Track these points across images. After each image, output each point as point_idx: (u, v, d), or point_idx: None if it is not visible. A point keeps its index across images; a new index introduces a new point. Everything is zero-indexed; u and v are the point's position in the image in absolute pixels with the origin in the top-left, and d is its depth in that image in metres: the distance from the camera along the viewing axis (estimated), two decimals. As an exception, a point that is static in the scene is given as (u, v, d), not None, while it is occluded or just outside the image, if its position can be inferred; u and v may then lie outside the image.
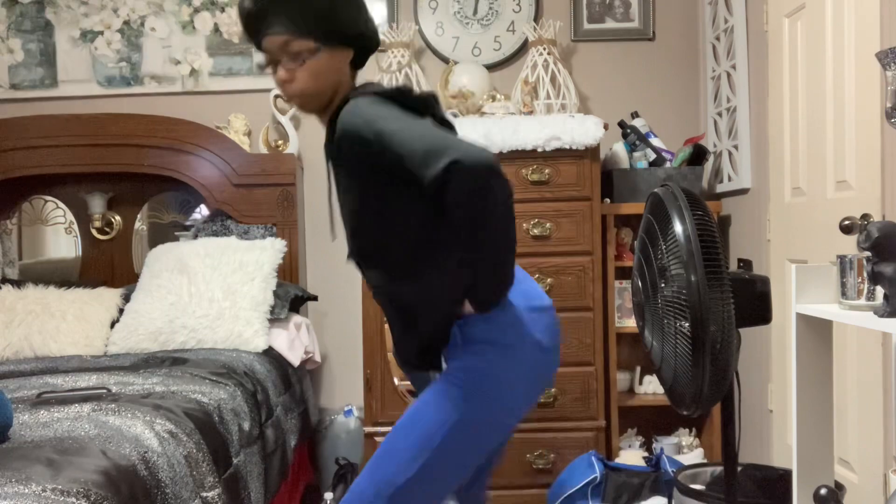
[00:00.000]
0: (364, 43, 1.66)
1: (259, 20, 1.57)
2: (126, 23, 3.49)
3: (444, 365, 1.60)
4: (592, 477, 2.73)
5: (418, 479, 1.52)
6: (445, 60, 3.46)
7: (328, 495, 3.00)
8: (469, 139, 1.49)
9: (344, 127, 1.53)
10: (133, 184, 3.43)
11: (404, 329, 1.66)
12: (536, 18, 3.47)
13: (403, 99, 1.57)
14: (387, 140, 1.47)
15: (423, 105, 1.59)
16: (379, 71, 3.30)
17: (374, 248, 1.63)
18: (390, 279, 1.62)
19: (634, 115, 3.34)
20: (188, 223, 3.48)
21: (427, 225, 1.56)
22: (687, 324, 1.54)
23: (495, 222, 1.49)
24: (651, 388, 3.28)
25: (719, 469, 2.25)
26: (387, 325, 2.82)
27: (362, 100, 1.55)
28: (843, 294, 1.45)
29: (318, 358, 3.26)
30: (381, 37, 3.30)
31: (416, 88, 1.73)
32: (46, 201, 3.50)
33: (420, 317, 1.61)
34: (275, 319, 2.95)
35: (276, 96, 3.43)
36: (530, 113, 3.11)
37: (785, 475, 2.14)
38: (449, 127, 1.65)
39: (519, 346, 1.59)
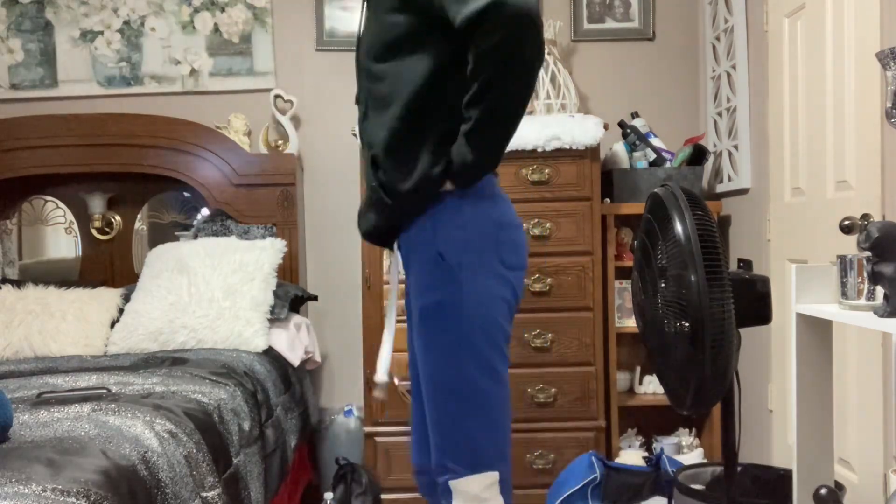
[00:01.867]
0: None
1: None
2: (126, 23, 3.49)
3: (396, 247, 1.65)
4: (592, 477, 2.72)
5: (487, 408, 1.58)
6: (445, 60, 3.46)
7: (328, 495, 3.00)
8: None
9: None
10: (133, 184, 3.43)
11: (376, 202, 1.64)
12: (536, 18, 3.46)
13: None
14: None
15: None
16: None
17: (381, 94, 1.60)
18: (384, 138, 1.59)
19: (634, 115, 3.34)
20: (188, 223, 3.48)
21: (436, 81, 1.53)
22: (687, 324, 1.54)
23: (518, 76, 1.43)
24: (651, 388, 3.28)
25: (719, 469, 2.25)
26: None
27: None
28: (843, 294, 1.45)
29: (318, 358, 3.25)
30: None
31: None
32: (46, 201, 3.50)
33: (396, 192, 1.58)
34: (275, 319, 2.95)
35: (276, 96, 3.43)
36: (530, 113, 3.11)
37: (785, 475, 2.14)
38: None
39: (488, 262, 1.57)
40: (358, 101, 1.72)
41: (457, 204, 1.58)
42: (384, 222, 1.67)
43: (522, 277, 1.65)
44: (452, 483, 1.59)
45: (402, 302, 1.84)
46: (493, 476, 1.61)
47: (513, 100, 1.46)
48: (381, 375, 1.73)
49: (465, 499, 1.58)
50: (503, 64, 1.40)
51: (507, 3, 1.34)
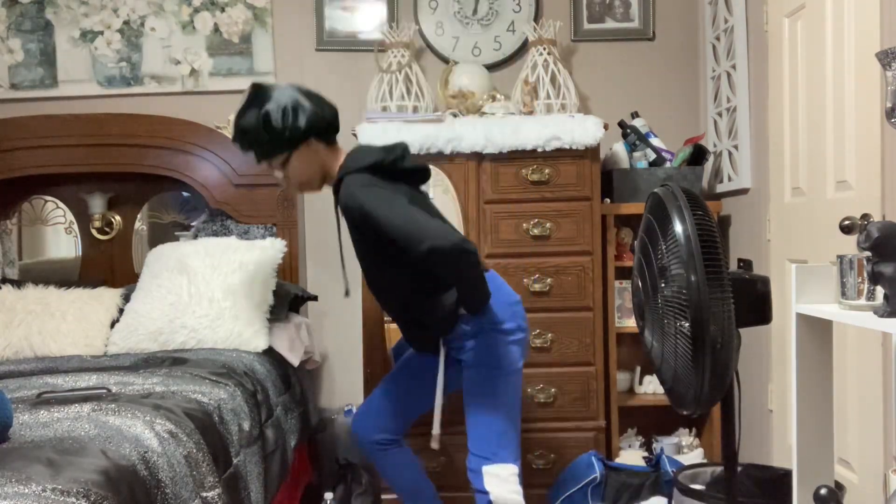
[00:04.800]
0: (321, 129, 2.18)
1: (246, 153, 2.24)
2: (126, 23, 3.49)
3: (441, 348, 2.27)
4: (592, 477, 2.73)
5: (511, 425, 2.23)
6: (445, 60, 3.46)
7: (328, 495, 2.99)
8: (438, 226, 2.05)
9: (344, 204, 2.11)
10: (133, 184, 3.43)
11: (416, 329, 2.31)
12: (536, 18, 3.47)
13: (383, 170, 2.12)
14: (379, 225, 2.04)
15: (399, 170, 2.16)
16: (379, 71, 3.30)
17: (377, 279, 2.30)
18: (399, 306, 2.30)
19: (634, 115, 3.34)
20: (188, 223, 3.48)
21: (417, 275, 2.14)
22: (687, 324, 1.54)
23: (468, 275, 2.11)
24: (651, 388, 3.28)
25: (719, 469, 2.25)
26: (388, 325, 2.84)
27: (352, 181, 2.10)
28: (843, 294, 1.45)
29: (318, 358, 3.25)
30: (382, 37, 3.33)
31: (383, 151, 2.19)
32: (46, 201, 3.50)
33: (428, 325, 2.24)
34: (275, 319, 2.95)
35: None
36: (530, 113, 3.11)
37: (785, 475, 2.14)
38: (421, 172, 2.26)
39: (512, 325, 2.22)
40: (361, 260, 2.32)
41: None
42: (433, 340, 2.31)
43: (528, 331, 2.32)
44: (486, 467, 2.16)
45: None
46: (514, 468, 2.19)
47: (469, 282, 2.12)
48: (436, 429, 2.28)
49: (497, 480, 2.15)
50: (453, 273, 2.10)
51: (438, 248, 1.98)
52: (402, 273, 2.17)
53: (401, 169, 2.17)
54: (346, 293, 2.43)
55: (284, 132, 2.13)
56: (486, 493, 2.16)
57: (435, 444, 2.27)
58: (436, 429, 2.26)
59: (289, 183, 2.26)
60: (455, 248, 1.99)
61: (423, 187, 2.35)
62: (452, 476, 2.78)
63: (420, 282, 2.16)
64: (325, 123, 2.19)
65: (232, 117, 3.38)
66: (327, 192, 2.34)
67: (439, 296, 2.16)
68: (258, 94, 2.15)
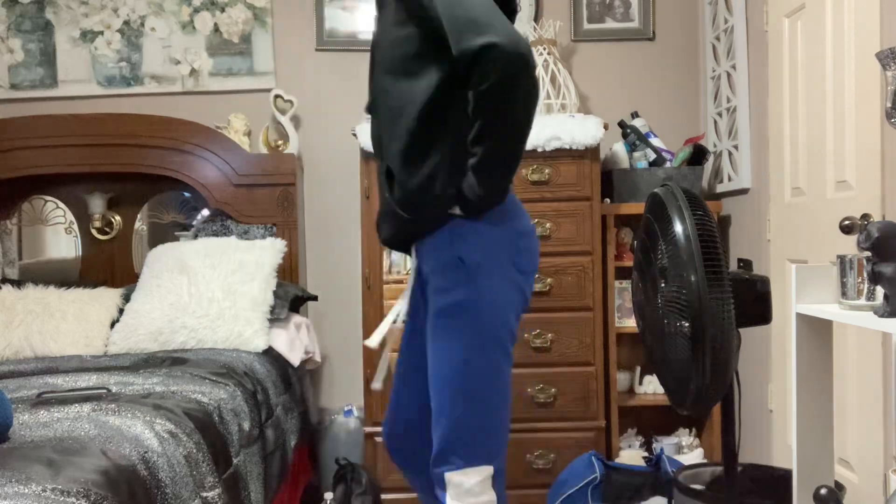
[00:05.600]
0: None
1: None
2: (126, 23, 3.49)
3: (413, 252, 1.73)
4: (592, 477, 2.73)
5: (489, 406, 1.66)
6: (445, 60, 3.46)
7: (328, 495, 3.00)
8: (510, 26, 1.48)
9: None
10: (133, 184, 3.43)
11: (391, 214, 1.70)
12: (536, 18, 3.47)
13: None
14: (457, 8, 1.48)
15: None
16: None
17: (393, 106, 1.66)
18: (397, 151, 1.65)
19: (634, 115, 3.34)
20: (188, 223, 3.48)
21: (440, 100, 1.58)
22: (687, 324, 1.54)
23: (513, 117, 1.51)
24: (651, 388, 3.28)
25: (719, 469, 2.25)
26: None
27: None
28: (843, 294, 1.45)
29: (318, 358, 3.25)
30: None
31: None
32: (46, 201, 3.50)
33: (411, 203, 1.64)
34: (275, 319, 2.95)
35: (276, 96, 3.43)
36: (530, 113, 3.11)
37: (785, 475, 2.14)
38: (511, 8, 1.70)
39: (505, 266, 1.65)
40: (370, 110, 1.77)
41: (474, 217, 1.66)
42: (401, 234, 1.73)
43: (533, 280, 1.73)
44: (448, 475, 1.65)
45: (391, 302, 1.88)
46: (487, 470, 1.66)
47: (511, 139, 1.55)
48: (374, 341, 1.83)
49: (457, 493, 1.64)
50: (499, 107, 1.49)
51: (499, 46, 1.41)
52: (416, 92, 1.59)
53: None
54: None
55: None
56: None
57: (377, 385, 1.88)
58: (376, 383, 1.85)
59: None
60: (518, 55, 1.44)
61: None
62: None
63: (430, 118, 1.60)
64: None
65: (232, 116, 3.41)
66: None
67: (441, 146, 1.60)
68: None
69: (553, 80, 3.22)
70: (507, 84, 1.45)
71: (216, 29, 3.50)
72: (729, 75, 3.14)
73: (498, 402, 1.69)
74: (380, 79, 1.71)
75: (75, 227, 3.49)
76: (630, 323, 3.15)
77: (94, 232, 3.46)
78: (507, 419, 1.73)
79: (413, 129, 1.61)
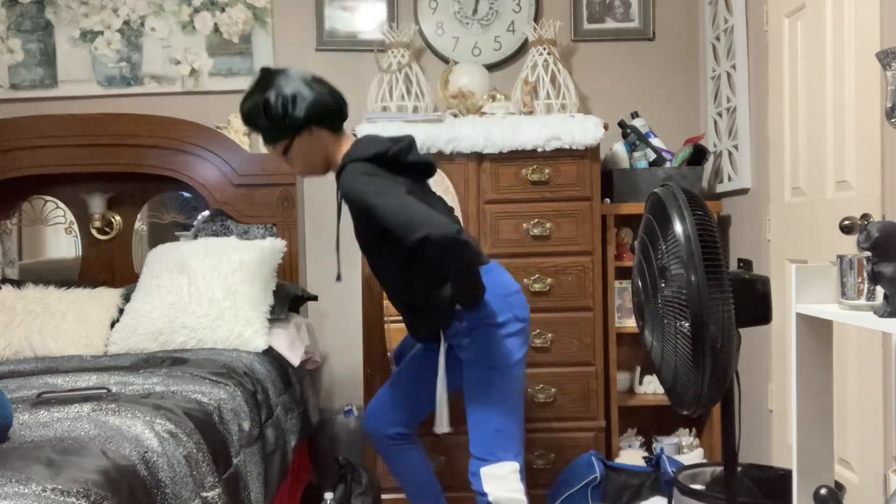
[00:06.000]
0: (322, 117, 2.19)
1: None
2: (126, 23, 3.49)
3: (442, 340, 2.26)
4: (592, 477, 2.73)
5: (510, 421, 2.19)
6: (445, 60, 3.46)
7: (328, 495, 2.99)
8: (433, 216, 1.99)
9: (344, 191, 2.14)
10: (133, 184, 3.43)
11: (417, 318, 2.29)
12: (536, 18, 3.47)
13: (387, 161, 2.12)
14: (376, 213, 2.04)
15: (403, 162, 2.15)
16: (379, 71, 3.30)
17: (379, 268, 2.29)
18: (396, 290, 2.28)
19: (634, 115, 3.34)
20: (188, 223, 3.48)
21: (415, 265, 2.13)
22: (687, 324, 1.54)
23: (460, 268, 2.08)
24: (651, 388, 3.28)
25: (719, 469, 2.25)
26: (388, 325, 2.84)
27: (353, 169, 2.12)
28: (843, 294, 1.45)
29: (318, 358, 3.25)
30: (382, 37, 3.33)
31: (389, 141, 2.18)
32: (46, 201, 3.50)
33: (427, 316, 2.25)
34: (275, 319, 2.95)
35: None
36: (530, 113, 3.11)
37: (785, 475, 2.14)
38: (425, 167, 2.24)
39: (507, 317, 2.19)
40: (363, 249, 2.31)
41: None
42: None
43: (529, 324, 2.28)
44: (483, 469, 2.14)
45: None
46: (514, 465, 2.16)
47: (462, 275, 2.09)
48: (441, 427, 2.28)
49: (495, 480, 2.14)
50: (446, 265, 2.06)
51: (431, 237, 1.94)
52: (401, 263, 2.16)
53: (405, 162, 2.17)
54: (338, 278, 2.41)
55: (284, 119, 2.16)
56: (484, 494, 2.15)
57: (441, 430, 2.28)
58: (441, 426, 2.26)
59: (294, 167, 2.31)
60: (446, 238, 1.95)
61: (430, 182, 2.34)
62: (453, 476, 2.78)
63: (418, 272, 2.15)
64: (327, 112, 2.20)
65: (232, 116, 3.41)
66: (329, 186, 2.36)
67: (438, 288, 2.15)
68: (263, 79, 2.19)
69: (553, 80, 3.22)
70: (447, 256, 2.01)
71: (216, 29, 3.50)
72: (729, 75, 3.14)
73: (518, 415, 2.25)
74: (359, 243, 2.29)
75: (75, 227, 3.49)
76: (630, 323, 3.15)
77: (94, 232, 3.46)
78: (523, 427, 2.28)
79: (409, 289, 2.24)
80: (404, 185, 2.10)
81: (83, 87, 3.51)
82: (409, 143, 2.20)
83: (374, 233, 2.15)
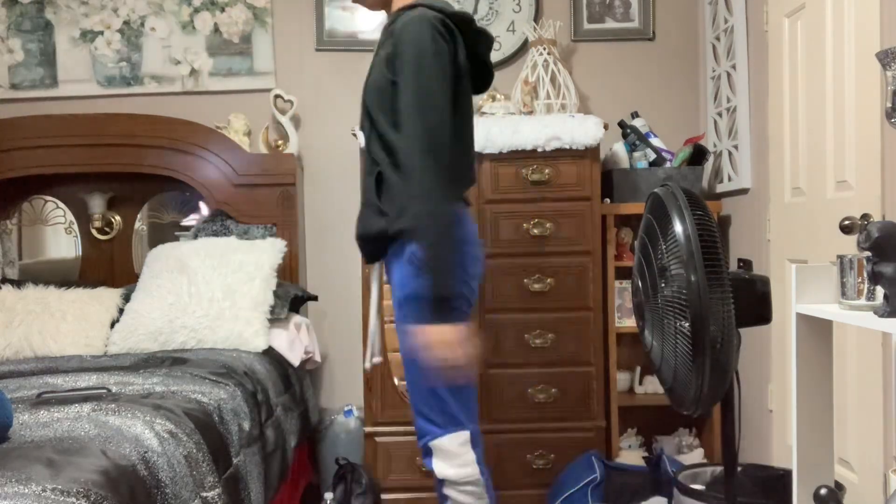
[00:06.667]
0: None
1: None
2: (126, 23, 3.49)
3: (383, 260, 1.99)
4: (592, 477, 2.73)
5: (452, 388, 1.86)
6: (445, 60, 3.46)
7: (328, 495, 2.99)
8: (434, 189, 1.76)
9: (400, 31, 1.83)
10: (133, 184, 3.43)
11: (366, 228, 1.97)
12: (536, 18, 3.47)
13: (450, 32, 1.84)
14: (404, 91, 1.78)
15: (475, 54, 1.92)
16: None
17: (368, 142, 1.95)
18: (365, 183, 1.97)
19: (634, 115, 3.34)
20: (188, 223, 3.48)
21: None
22: (687, 324, 1.54)
23: (438, 252, 1.78)
24: (651, 388, 3.27)
25: (719, 469, 2.25)
26: (388, 325, 2.83)
27: (425, 14, 1.82)
28: (843, 294, 1.45)
29: (318, 358, 3.25)
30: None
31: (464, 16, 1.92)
32: (46, 201, 3.50)
33: (371, 237, 1.95)
34: (275, 319, 2.95)
35: (276, 96, 3.43)
36: (530, 113, 3.11)
37: (785, 475, 2.14)
38: (482, 65, 1.99)
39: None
40: (362, 128, 1.99)
41: None
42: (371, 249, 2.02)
43: (478, 283, 1.98)
44: (432, 443, 1.89)
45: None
46: (464, 435, 1.90)
47: (437, 243, 1.77)
48: (376, 358, 2.11)
49: (444, 456, 1.89)
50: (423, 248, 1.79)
51: (405, 230, 1.79)
52: (381, 152, 1.90)
53: (474, 53, 1.93)
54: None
55: None
56: (437, 475, 1.92)
57: (367, 365, 2.13)
58: (371, 358, 2.10)
59: None
60: (414, 223, 1.76)
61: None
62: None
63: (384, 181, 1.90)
64: None
65: (232, 116, 3.41)
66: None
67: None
68: None
69: (553, 80, 3.22)
70: (426, 243, 1.76)
71: (216, 29, 3.50)
72: (729, 75, 3.14)
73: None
74: (364, 103, 1.96)
75: (75, 227, 3.49)
76: (630, 323, 3.15)
77: (94, 232, 3.46)
78: (471, 387, 1.95)
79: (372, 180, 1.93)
80: (453, 89, 1.84)
81: (83, 87, 3.51)
82: (478, 31, 1.95)
83: (385, 90, 1.86)
